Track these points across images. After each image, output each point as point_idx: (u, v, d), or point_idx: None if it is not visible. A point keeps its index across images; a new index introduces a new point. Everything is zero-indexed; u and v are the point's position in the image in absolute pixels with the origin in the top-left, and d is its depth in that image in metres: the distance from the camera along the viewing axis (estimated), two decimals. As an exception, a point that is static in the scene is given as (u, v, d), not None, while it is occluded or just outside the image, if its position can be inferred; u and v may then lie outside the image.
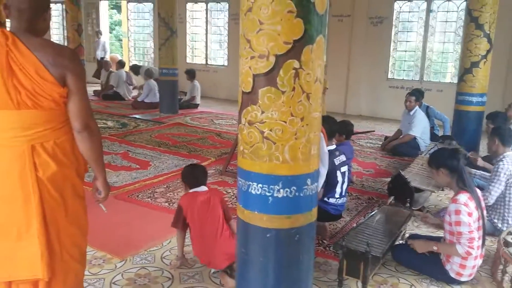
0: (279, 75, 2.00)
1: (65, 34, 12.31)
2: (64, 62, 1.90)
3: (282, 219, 2.14)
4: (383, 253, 3.01)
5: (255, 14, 1.99)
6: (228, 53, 11.90)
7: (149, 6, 13.31)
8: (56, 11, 14.28)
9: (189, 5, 12.43)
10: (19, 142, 1.90)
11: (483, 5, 5.98)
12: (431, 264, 3.12)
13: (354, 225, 3.82)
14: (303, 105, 2.05)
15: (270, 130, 2.06)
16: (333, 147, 3.90)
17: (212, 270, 3.08)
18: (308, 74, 2.04)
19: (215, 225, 2.99)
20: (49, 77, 1.87)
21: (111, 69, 11.56)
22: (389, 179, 4.67)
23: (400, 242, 3.45)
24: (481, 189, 3.75)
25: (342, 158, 3.85)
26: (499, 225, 3.81)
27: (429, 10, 9.42)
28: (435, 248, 3.07)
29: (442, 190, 4.64)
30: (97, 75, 12.16)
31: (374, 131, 8.21)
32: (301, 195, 2.13)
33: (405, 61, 10.29)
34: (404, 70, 10.18)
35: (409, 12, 9.88)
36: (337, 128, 4.14)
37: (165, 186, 4.85)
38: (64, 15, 12.11)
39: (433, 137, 6.64)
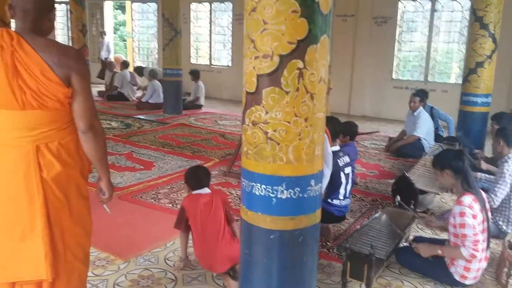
0: (283, 75, 1.99)
1: (70, 35, 12.34)
2: (69, 63, 1.90)
3: (286, 221, 2.13)
4: (387, 255, 2.99)
5: (259, 14, 1.98)
6: (232, 53, 11.89)
7: (153, 6, 13.33)
8: (61, 11, 14.32)
9: (193, 5, 12.44)
10: (24, 142, 1.90)
11: (488, 5, 5.95)
12: (435, 267, 3.10)
13: (358, 227, 3.80)
14: (307, 106, 2.04)
15: (274, 131, 2.05)
16: (337, 148, 3.88)
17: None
18: (312, 74, 2.03)
19: (216, 227, 2.98)
20: (54, 77, 1.87)
21: (115, 70, 11.59)
22: (393, 181, 4.65)
23: (404, 244, 3.43)
24: (486, 191, 3.73)
25: (346, 159, 3.83)
26: (504, 227, 3.79)
27: (433, 10, 9.38)
28: (439, 252, 3.05)
29: (447, 192, 4.61)
30: (101, 75, 12.19)
31: (378, 131, 8.19)
32: (305, 196, 2.12)
33: (409, 61, 10.25)
34: (408, 71, 10.14)
35: (414, 12, 9.85)
36: (341, 129, 4.13)
37: (169, 187, 4.85)
38: (69, 15, 12.14)
39: (438, 138, 6.61)
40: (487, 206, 3.10)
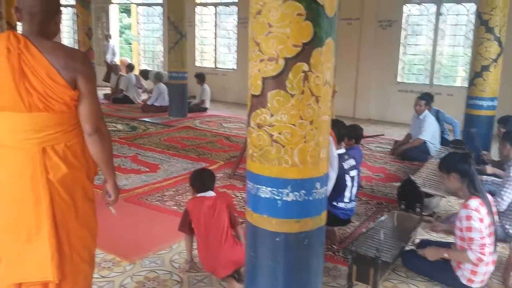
0: (288, 78, 1.99)
1: (76, 38, 12.41)
2: (75, 65, 1.91)
3: (291, 223, 2.13)
4: (393, 258, 2.98)
5: (264, 17, 1.99)
6: (237, 56, 11.91)
7: (158, 9, 13.39)
8: (67, 15, 14.41)
9: (198, 9, 12.48)
10: (30, 144, 1.91)
11: (493, 8, 5.93)
12: (442, 270, 3.09)
13: (364, 230, 3.79)
14: (312, 108, 2.05)
15: (279, 133, 2.05)
16: (343, 151, 3.88)
17: (220, 276, 3.07)
18: (317, 77, 2.03)
19: (219, 231, 2.98)
20: (60, 80, 1.88)
21: (120, 73, 11.63)
22: (399, 184, 4.63)
23: (410, 247, 3.42)
24: (492, 194, 3.71)
25: (352, 162, 3.83)
26: (511, 231, 3.76)
27: (438, 13, 9.36)
28: (446, 255, 3.03)
29: (453, 195, 4.59)
30: (107, 78, 12.25)
31: (383, 135, 8.16)
32: (310, 199, 2.12)
33: (414, 64, 10.23)
34: (413, 74, 10.12)
35: (419, 15, 9.83)
36: (346, 132, 4.12)
37: (174, 190, 4.86)
38: (75, 19, 12.22)
39: (444, 141, 6.58)
40: (494, 209, 3.08)
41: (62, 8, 2.10)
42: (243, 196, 4.67)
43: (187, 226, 3.10)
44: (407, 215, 3.73)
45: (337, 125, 3.83)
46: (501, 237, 3.60)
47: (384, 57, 9.72)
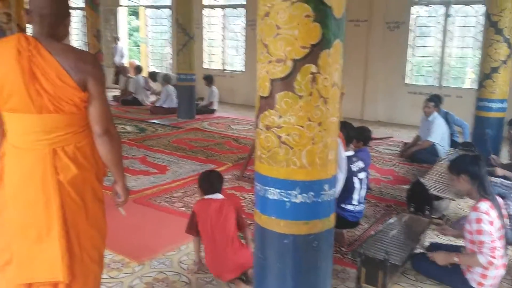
0: (296, 79, 1.99)
1: (85, 40, 12.49)
2: (85, 67, 1.93)
3: (300, 225, 2.12)
4: (402, 261, 2.97)
5: (272, 19, 1.99)
6: (245, 58, 11.93)
7: (166, 12, 13.45)
8: (76, 17, 14.52)
9: (206, 11, 12.52)
10: (41, 145, 1.93)
11: (502, 10, 5.89)
12: (451, 273, 3.06)
13: (372, 232, 3.78)
14: (320, 110, 2.04)
15: (288, 135, 2.05)
16: (351, 153, 3.87)
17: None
18: (326, 79, 2.03)
19: (225, 234, 2.97)
20: (70, 81, 1.89)
21: (128, 75, 11.69)
22: (408, 186, 4.61)
23: (420, 250, 3.40)
24: (502, 197, 3.67)
25: (360, 164, 3.82)
26: (521, 234, 3.72)
27: (447, 15, 9.31)
28: (456, 259, 3.00)
29: (462, 198, 4.56)
30: (115, 80, 12.31)
31: (392, 137, 8.13)
32: (319, 200, 2.12)
33: (423, 66, 10.18)
34: (422, 76, 10.07)
35: (427, 17, 9.78)
36: (355, 134, 4.11)
37: (182, 191, 4.87)
38: (84, 21, 12.31)
39: (453, 143, 6.54)
40: (504, 212, 3.05)
41: (71, 11, 2.11)
42: (251, 197, 4.67)
43: (194, 228, 3.10)
44: (416, 218, 3.71)
45: (345, 127, 3.82)
46: (511, 240, 3.56)
47: (392, 59, 9.68)
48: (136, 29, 15.96)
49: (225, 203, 3.06)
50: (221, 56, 12.61)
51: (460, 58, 9.95)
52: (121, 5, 14.14)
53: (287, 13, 1.95)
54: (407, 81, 9.81)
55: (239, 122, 9.29)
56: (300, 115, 2.02)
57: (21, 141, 1.94)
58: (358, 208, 3.78)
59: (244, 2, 11.71)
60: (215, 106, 10.34)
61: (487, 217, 2.85)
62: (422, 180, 4.35)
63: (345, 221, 3.68)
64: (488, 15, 6.08)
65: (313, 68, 1.98)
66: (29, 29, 2.04)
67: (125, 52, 13.87)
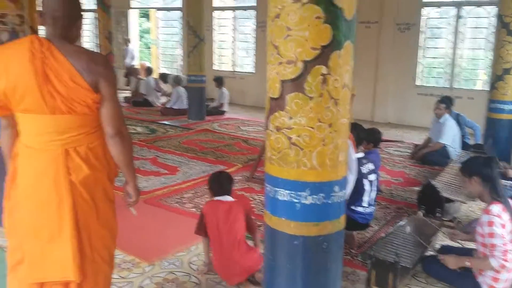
0: (306, 81, 1.99)
1: (97, 42, 12.60)
2: (98, 69, 1.94)
3: (310, 226, 2.12)
4: (413, 264, 2.95)
5: (283, 20, 1.99)
6: (255, 60, 11.95)
7: (177, 14, 13.52)
8: (88, 19, 14.64)
9: (216, 13, 12.56)
10: (54, 146, 1.95)
11: (515, 11, 5.85)
12: (462, 276, 3.03)
13: (383, 234, 3.76)
14: (331, 111, 2.04)
15: (298, 136, 2.05)
16: (361, 154, 3.85)
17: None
18: (336, 80, 2.02)
19: (233, 236, 2.96)
20: (83, 83, 1.91)
21: (139, 76, 11.77)
22: (419, 189, 4.58)
23: (431, 253, 3.37)
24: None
25: (370, 166, 3.80)
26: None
27: (458, 16, 9.25)
28: (467, 263, 2.97)
29: (474, 200, 4.52)
30: (127, 82, 12.40)
31: (402, 141, 8.05)
32: (329, 202, 2.11)
33: (434, 68, 10.11)
34: (433, 77, 10.00)
35: (438, 18, 9.72)
36: (365, 136, 4.09)
37: (193, 192, 4.89)
38: (96, 23, 12.42)
39: (464, 145, 6.49)
40: (516, 215, 3.02)
41: (83, 13, 2.13)
42: (261, 199, 4.68)
43: (203, 229, 3.10)
44: (427, 220, 3.69)
45: (355, 128, 3.81)
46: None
47: (403, 60, 9.64)
48: (147, 31, 16.06)
49: (234, 205, 3.05)
50: (231, 57, 12.64)
51: (472, 60, 9.88)
52: (132, 7, 14.25)
53: (297, 14, 1.95)
54: (417, 82, 9.76)
55: (249, 124, 9.30)
56: (311, 117, 2.02)
57: (35, 142, 1.96)
58: (368, 210, 3.77)
59: (254, 4, 11.74)
60: (225, 107, 10.36)
61: (499, 220, 2.83)
62: (433, 182, 4.32)
63: (355, 223, 3.67)
64: (500, 16, 6.03)
65: (323, 70, 1.98)
66: (42, 31, 2.06)
67: (136, 53, 13.96)
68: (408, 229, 3.25)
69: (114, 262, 2.26)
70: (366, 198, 3.73)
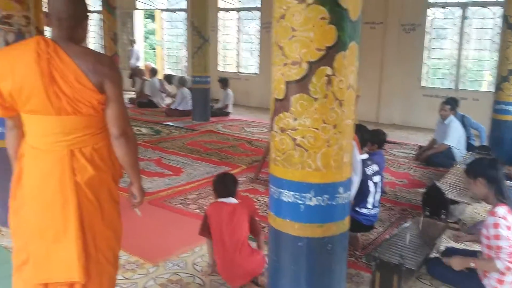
0: (311, 82, 1.99)
1: (102, 43, 12.65)
2: (103, 70, 1.95)
3: (314, 228, 2.12)
4: (417, 266, 2.93)
5: (288, 21, 1.99)
6: (260, 61, 11.95)
7: (182, 15, 13.54)
8: (93, 20, 14.70)
9: (221, 14, 12.57)
10: (59, 147, 1.96)
11: (521, 11, 5.83)
12: (467, 279, 3.01)
13: (387, 236, 3.75)
14: (336, 112, 2.04)
15: (303, 137, 2.05)
16: (366, 156, 3.84)
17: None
18: (341, 81, 2.02)
19: (235, 239, 2.95)
20: (88, 84, 1.92)
21: (144, 77, 11.79)
22: (423, 190, 4.57)
23: (435, 255, 3.36)
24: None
25: (375, 167, 3.79)
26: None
27: (464, 17, 9.21)
28: (472, 265, 2.96)
29: (479, 202, 4.50)
30: (132, 83, 12.43)
31: (405, 144, 8.02)
32: (334, 203, 2.11)
33: (439, 69, 10.08)
34: (438, 78, 9.96)
35: (443, 19, 9.68)
36: (369, 137, 4.08)
37: (197, 193, 4.90)
38: (101, 24, 12.46)
39: (469, 147, 6.46)
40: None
41: (89, 14, 2.14)
42: (265, 200, 4.67)
43: (207, 230, 3.09)
44: (432, 222, 3.67)
45: (360, 129, 3.79)
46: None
47: (408, 61, 9.61)
48: (152, 32, 16.11)
49: (238, 207, 3.03)
50: (236, 58, 12.65)
51: (477, 61, 9.83)
52: (137, 8, 14.29)
53: (302, 15, 1.95)
54: (423, 83, 9.73)
55: (254, 125, 9.30)
56: (315, 118, 2.02)
57: (40, 142, 1.97)
58: (372, 211, 3.76)
59: (259, 5, 11.74)
60: (230, 108, 10.37)
61: (504, 222, 2.81)
62: (438, 183, 4.30)
63: (359, 224, 3.66)
64: (505, 17, 6.02)
65: (328, 71, 1.98)
66: (48, 32, 2.06)
67: (141, 55, 13.99)
68: (408, 237, 3.23)
69: (118, 263, 2.26)
70: (370, 200, 3.71)
